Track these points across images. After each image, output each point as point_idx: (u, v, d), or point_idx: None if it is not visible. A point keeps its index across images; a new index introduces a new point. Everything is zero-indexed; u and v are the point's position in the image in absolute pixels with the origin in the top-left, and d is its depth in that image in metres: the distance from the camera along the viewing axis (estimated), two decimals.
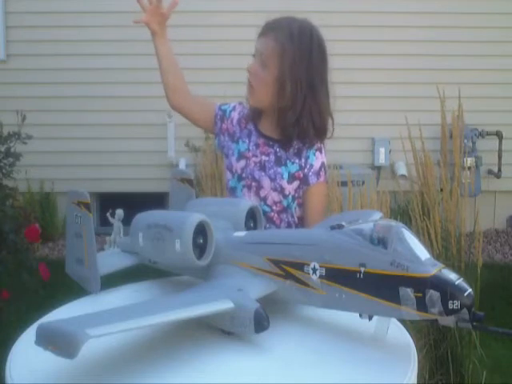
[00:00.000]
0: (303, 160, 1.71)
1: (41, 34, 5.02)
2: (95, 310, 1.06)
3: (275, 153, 1.73)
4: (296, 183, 1.71)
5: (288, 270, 1.18)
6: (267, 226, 1.71)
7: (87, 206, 1.36)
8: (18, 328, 1.26)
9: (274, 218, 1.72)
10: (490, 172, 5.21)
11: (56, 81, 5.02)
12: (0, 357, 1.17)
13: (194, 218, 1.23)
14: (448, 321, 1.01)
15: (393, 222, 1.09)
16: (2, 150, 3.01)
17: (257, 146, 1.75)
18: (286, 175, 1.71)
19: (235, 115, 1.81)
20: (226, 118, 1.82)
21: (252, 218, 1.43)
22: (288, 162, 1.71)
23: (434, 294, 1.00)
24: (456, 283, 1.01)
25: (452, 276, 1.02)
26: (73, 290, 1.46)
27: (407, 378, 1.04)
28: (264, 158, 1.73)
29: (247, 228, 1.40)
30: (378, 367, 1.06)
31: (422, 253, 1.04)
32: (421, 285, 1.01)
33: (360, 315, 1.11)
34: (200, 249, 1.25)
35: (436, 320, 1.03)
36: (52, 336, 0.95)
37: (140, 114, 4.99)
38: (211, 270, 1.29)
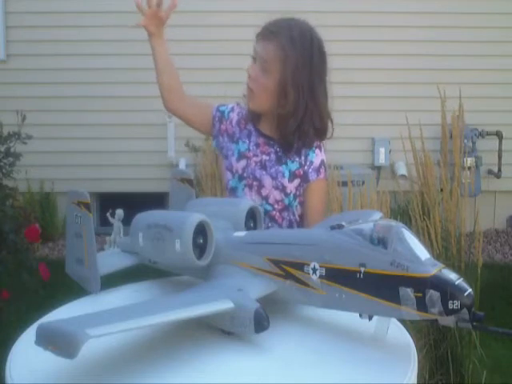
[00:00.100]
0: (303, 158, 1.71)
1: (41, 34, 5.01)
2: (95, 310, 1.06)
3: (275, 152, 1.73)
4: (297, 181, 1.72)
5: (288, 270, 1.18)
6: (269, 224, 1.71)
7: (87, 206, 1.36)
8: (18, 328, 1.26)
9: (276, 217, 1.73)
10: (490, 172, 5.21)
11: (56, 81, 5.02)
12: (0, 357, 1.17)
13: (194, 218, 1.23)
14: (448, 321, 1.01)
15: (393, 222, 1.09)
16: (2, 149, 3.01)
17: (257, 145, 1.75)
18: (286, 173, 1.71)
19: (234, 116, 1.81)
20: (225, 119, 1.81)
21: (252, 218, 1.43)
22: (288, 160, 1.72)
23: (434, 294, 1.00)
24: (456, 283, 1.01)
25: (452, 276, 1.02)
26: (73, 290, 1.46)
27: (407, 378, 1.04)
28: (265, 157, 1.74)
29: (247, 228, 1.40)
30: (377, 367, 1.06)
31: (422, 253, 1.04)
32: (421, 285, 1.01)
33: (360, 315, 1.11)
34: (200, 249, 1.25)
35: (436, 320, 1.03)
36: (52, 336, 0.95)
37: (140, 113, 4.99)
38: (211, 270, 1.29)
